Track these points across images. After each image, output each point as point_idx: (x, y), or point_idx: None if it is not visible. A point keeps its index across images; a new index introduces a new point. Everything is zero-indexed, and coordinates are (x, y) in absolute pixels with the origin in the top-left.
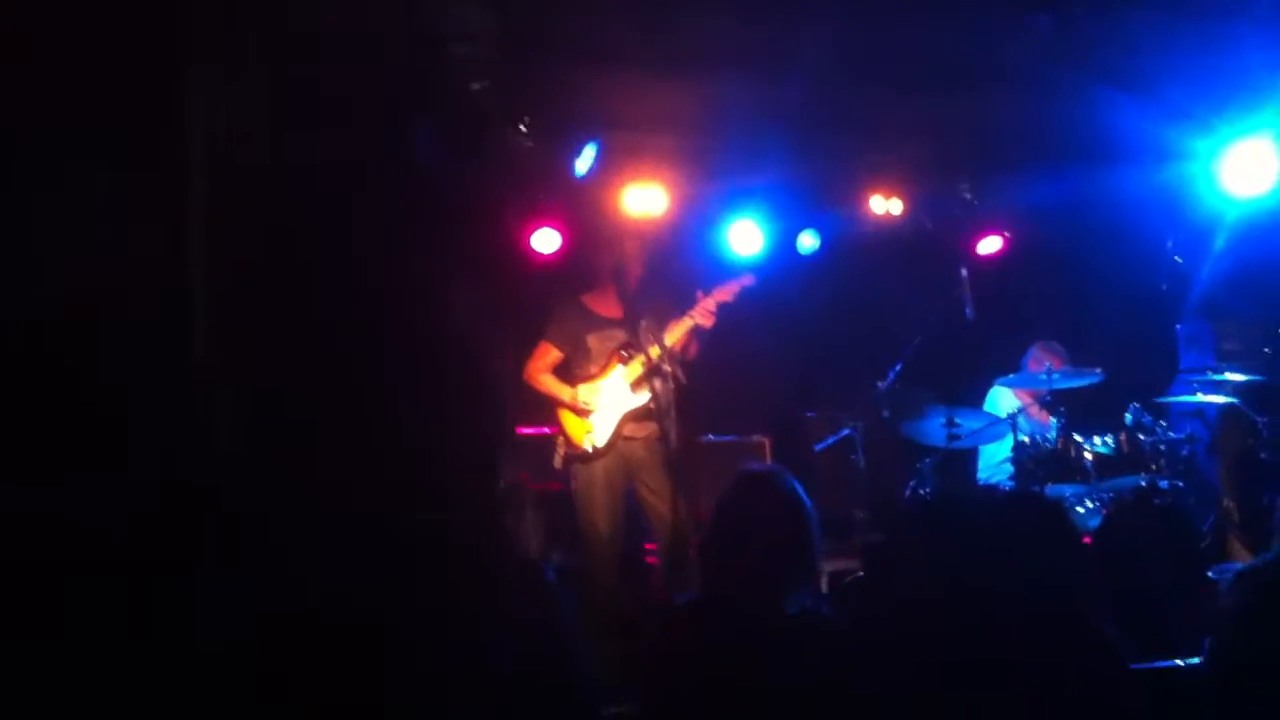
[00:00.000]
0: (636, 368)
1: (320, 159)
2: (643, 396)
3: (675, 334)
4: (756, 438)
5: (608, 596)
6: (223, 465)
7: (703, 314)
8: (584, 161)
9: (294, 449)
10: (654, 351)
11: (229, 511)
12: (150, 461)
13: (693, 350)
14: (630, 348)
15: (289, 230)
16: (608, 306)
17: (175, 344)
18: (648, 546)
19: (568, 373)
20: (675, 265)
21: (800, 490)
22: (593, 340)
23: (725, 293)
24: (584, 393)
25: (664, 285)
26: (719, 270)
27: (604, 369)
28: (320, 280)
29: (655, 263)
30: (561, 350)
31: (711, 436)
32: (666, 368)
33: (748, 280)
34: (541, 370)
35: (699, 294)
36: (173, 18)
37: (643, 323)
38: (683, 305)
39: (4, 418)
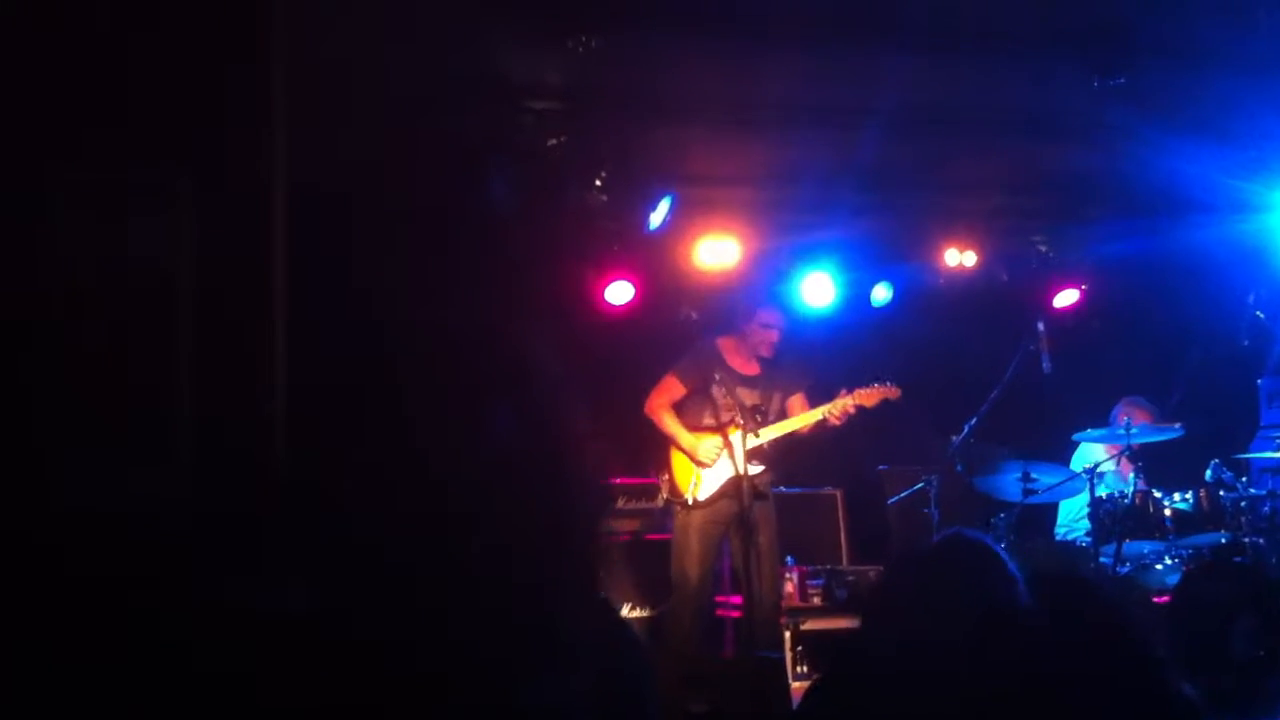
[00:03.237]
0: (756, 440)
1: (391, 204)
2: (755, 469)
3: (804, 420)
4: (829, 490)
5: (684, 648)
6: (277, 494)
7: (840, 415)
8: (658, 215)
9: (364, 493)
10: (751, 439)
11: (287, 540)
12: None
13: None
14: (758, 413)
15: (360, 270)
16: (743, 364)
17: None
18: (719, 600)
19: (680, 413)
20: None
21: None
22: (718, 390)
23: (868, 398)
24: (706, 447)
25: (808, 367)
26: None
27: (723, 427)
28: (394, 326)
29: (800, 342)
30: (686, 387)
31: (783, 488)
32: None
33: (893, 394)
34: (664, 405)
35: (842, 391)
36: (251, 56)
37: (776, 394)
38: (807, 384)
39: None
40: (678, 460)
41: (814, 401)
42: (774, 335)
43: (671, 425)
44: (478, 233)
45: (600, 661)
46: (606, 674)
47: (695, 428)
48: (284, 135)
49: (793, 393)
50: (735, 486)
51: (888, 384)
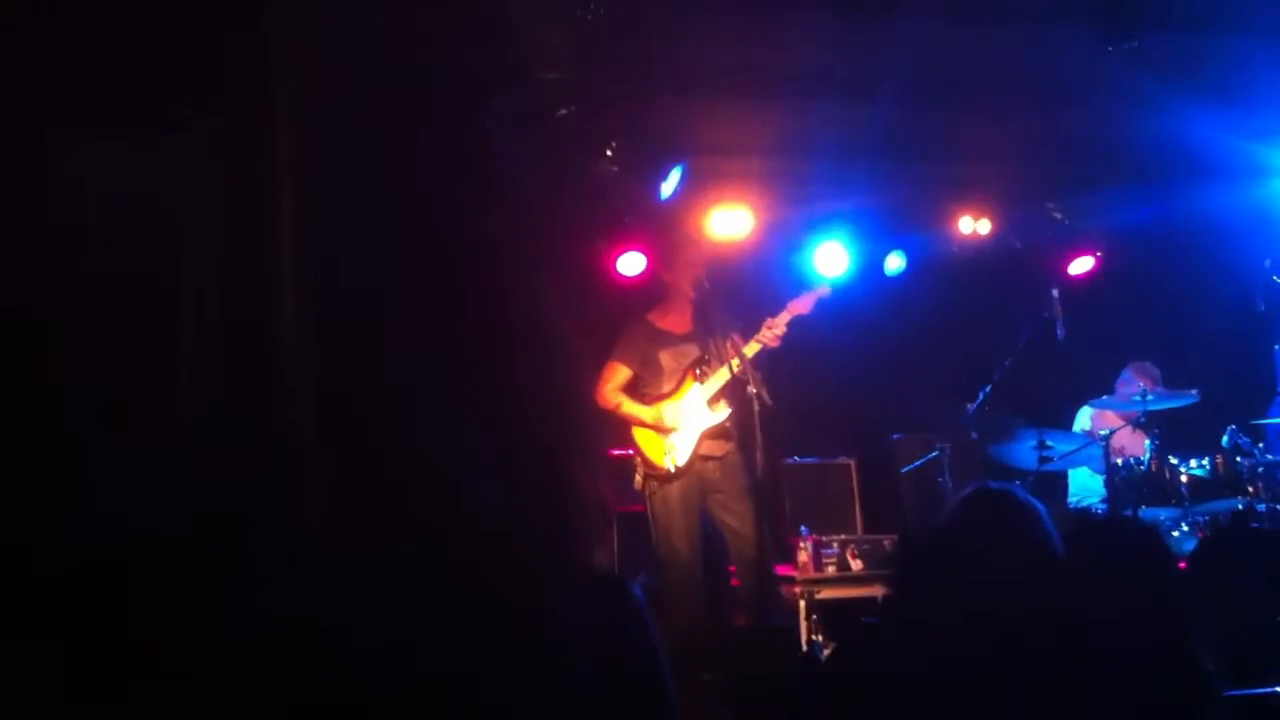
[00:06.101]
0: (714, 384)
1: (404, 178)
2: (721, 414)
3: (748, 352)
4: (843, 459)
5: (690, 620)
6: (292, 473)
7: (771, 337)
8: (669, 184)
9: (368, 458)
10: (734, 364)
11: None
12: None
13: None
14: (705, 364)
15: (376, 246)
16: (676, 323)
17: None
18: (732, 569)
19: (637, 392)
20: (751, 283)
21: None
22: (664, 357)
23: (801, 305)
24: (667, 411)
25: (739, 303)
26: (799, 288)
27: (679, 386)
28: (408, 298)
29: (726, 279)
30: (630, 368)
31: (797, 458)
32: (750, 389)
33: (824, 291)
34: (613, 391)
35: (767, 320)
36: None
37: (717, 338)
38: (757, 325)
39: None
40: (644, 437)
41: (747, 337)
42: (698, 270)
43: (627, 406)
44: (486, 204)
45: (605, 642)
46: (615, 653)
47: (656, 398)
48: (284, 110)
49: (728, 336)
50: (708, 438)
51: (817, 286)
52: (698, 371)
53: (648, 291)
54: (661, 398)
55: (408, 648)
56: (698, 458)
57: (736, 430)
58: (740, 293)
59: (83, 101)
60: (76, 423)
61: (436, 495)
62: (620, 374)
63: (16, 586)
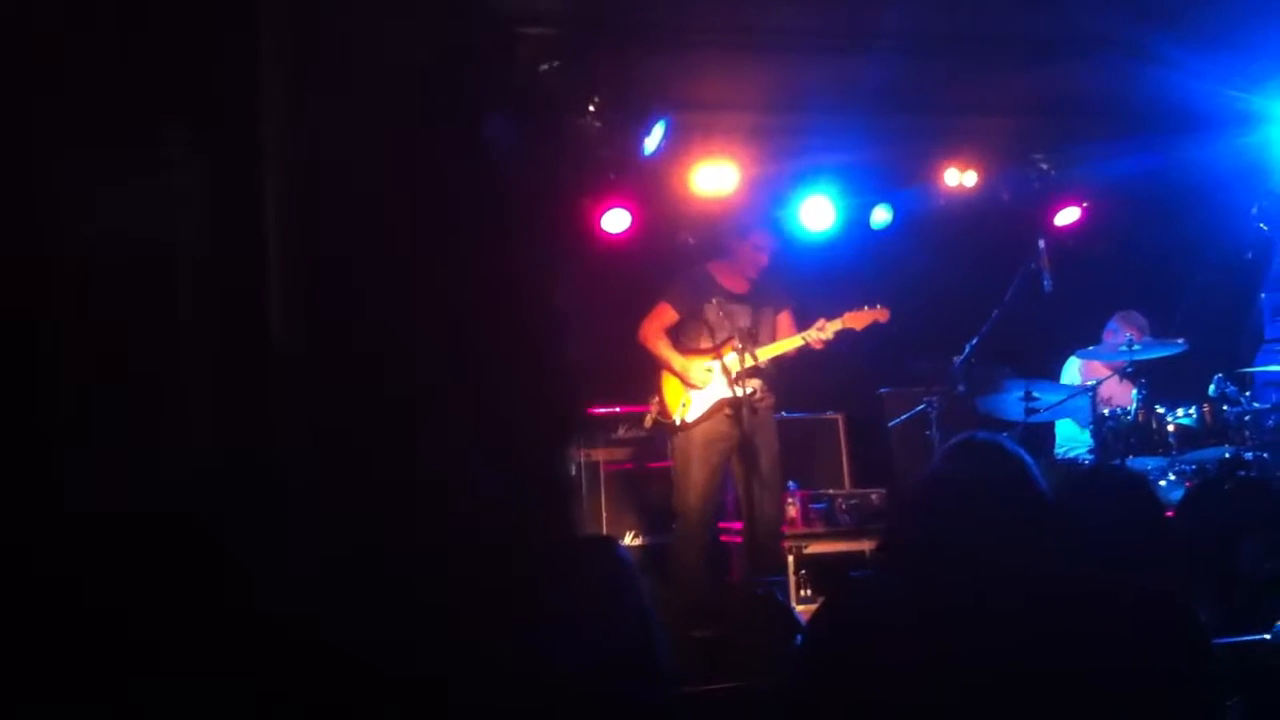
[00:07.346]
0: (747, 360)
1: (386, 146)
2: (745, 390)
3: (784, 347)
4: (830, 414)
5: (689, 576)
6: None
7: (820, 342)
8: (653, 140)
9: (361, 439)
10: (748, 360)
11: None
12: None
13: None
14: (751, 337)
15: (361, 219)
16: (734, 282)
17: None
18: (722, 525)
19: (675, 338)
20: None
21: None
22: (711, 312)
23: (856, 321)
24: (697, 369)
25: (797, 282)
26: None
27: (718, 348)
28: (389, 273)
29: (792, 259)
30: (679, 313)
31: (785, 413)
32: (755, 387)
33: (882, 316)
34: (657, 331)
35: (820, 320)
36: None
37: (768, 311)
38: (792, 303)
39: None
40: (669, 384)
41: (799, 320)
42: (763, 258)
43: (663, 350)
44: (476, 172)
45: (596, 608)
46: (606, 618)
47: (691, 351)
48: (279, 81)
49: (779, 311)
50: (728, 407)
51: (877, 306)
52: (738, 345)
53: (633, 248)
54: (698, 352)
55: (403, 631)
56: (714, 414)
57: (763, 398)
58: (794, 277)
59: (80, 116)
60: (76, 421)
61: (431, 482)
62: (667, 316)
63: (16, 585)
